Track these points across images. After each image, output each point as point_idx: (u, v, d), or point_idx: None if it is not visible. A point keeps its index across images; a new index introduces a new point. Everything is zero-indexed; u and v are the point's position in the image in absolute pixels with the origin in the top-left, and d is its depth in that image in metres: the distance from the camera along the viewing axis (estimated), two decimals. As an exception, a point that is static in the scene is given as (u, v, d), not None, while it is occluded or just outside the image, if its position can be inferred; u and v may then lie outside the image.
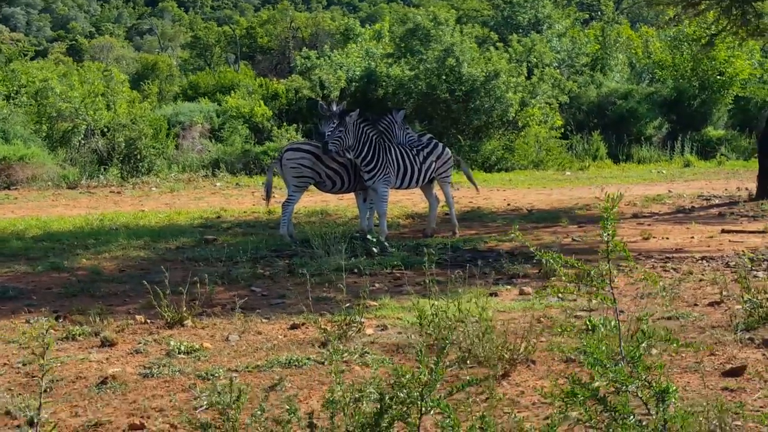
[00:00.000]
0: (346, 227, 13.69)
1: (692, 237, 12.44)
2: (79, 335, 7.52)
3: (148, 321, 8.03)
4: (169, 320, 7.83)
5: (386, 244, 11.49)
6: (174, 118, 25.62)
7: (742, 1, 16.30)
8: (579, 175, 23.26)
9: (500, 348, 6.23)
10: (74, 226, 14.21)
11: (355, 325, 7.27)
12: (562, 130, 27.26)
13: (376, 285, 9.53)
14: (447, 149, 13.39)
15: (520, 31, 31.65)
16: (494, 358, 6.16)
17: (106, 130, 24.43)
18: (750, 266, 9.63)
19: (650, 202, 16.68)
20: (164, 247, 12.31)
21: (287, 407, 4.22)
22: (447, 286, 8.16)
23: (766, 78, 30.51)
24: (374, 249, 11.06)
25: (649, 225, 13.92)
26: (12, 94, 24.53)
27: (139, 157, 22.37)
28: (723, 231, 12.79)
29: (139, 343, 7.31)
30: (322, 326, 7.19)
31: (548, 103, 27.08)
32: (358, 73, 27.38)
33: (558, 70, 27.79)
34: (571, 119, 28.07)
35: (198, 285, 8.09)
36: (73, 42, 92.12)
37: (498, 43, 27.76)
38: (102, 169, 22.53)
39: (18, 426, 5.38)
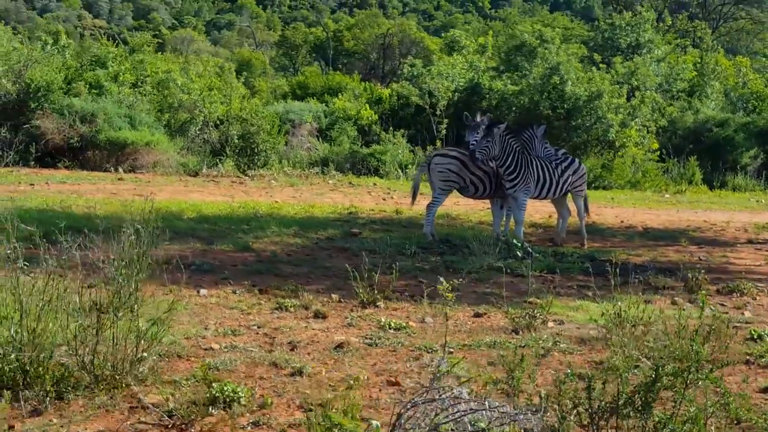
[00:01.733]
0: (475, 230, 14.67)
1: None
2: (290, 307, 8.46)
3: (342, 300, 8.96)
4: (365, 300, 8.75)
5: (530, 248, 12.32)
6: (285, 116, 26.71)
7: None
8: (678, 198, 23.84)
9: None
10: (222, 211, 15.25)
11: (541, 317, 8.13)
12: (658, 153, 27.85)
13: (534, 285, 10.37)
14: (582, 165, 14.24)
15: (619, 53, 32.31)
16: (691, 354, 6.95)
17: (219, 122, 25.64)
18: None
19: (761, 229, 17.25)
20: (315, 237, 13.27)
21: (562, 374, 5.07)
22: (599, 291, 9.02)
23: None
24: (519, 253, 11.91)
25: (766, 251, 14.53)
26: (138, 83, 25.82)
27: (256, 150, 23.48)
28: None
29: (346, 318, 8.24)
30: (513, 316, 8.09)
31: (646, 125, 27.74)
32: (462, 84, 28.25)
33: (658, 94, 28.40)
34: (666, 143, 28.62)
35: (372, 273, 8.88)
36: (156, 32, 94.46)
37: (601, 64, 28.45)
38: (217, 160, 23.70)
39: (289, 374, 6.33)
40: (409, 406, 3.96)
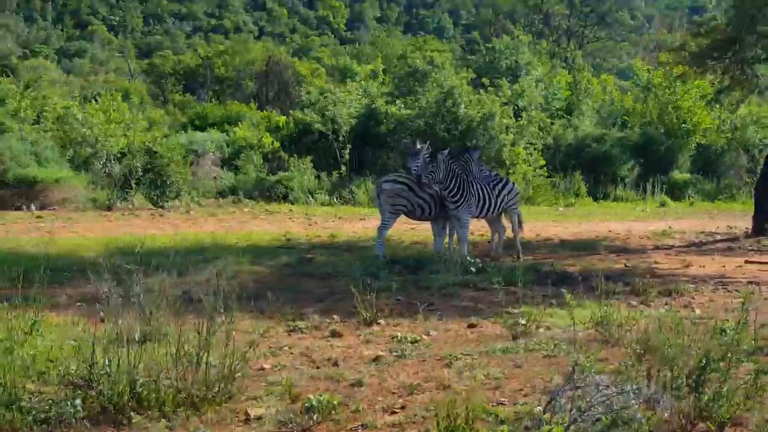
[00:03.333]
0: (412, 250, 15.69)
1: (724, 266, 14.59)
2: (304, 329, 9.22)
3: (344, 320, 9.76)
4: (367, 319, 9.57)
5: (481, 264, 13.37)
6: (188, 147, 27.10)
7: (741, 62, 18.76)
8: (572, 211, 25.49)
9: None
10: (168, 244, 15.66)
11: (536, 323, 9.14)
12: (545, 169, 29.53)
13: (498, 298, 11.38)
14: (515, 184, 15.45)
15: (499, 75, 33.96)
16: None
17: (121, 155, 25.82)
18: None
19: (660, 236, 18.89)
20: (274, 264, 13.96)
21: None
22: (562, 299, 10.13)
23: (724, 128, 33.39)
24: (472, 269, 12.98)
25: (676, 255, 16.06)
26: (39, 119, 25.79)
27: (168, 182, 23.82)
28: (747, 262, 15.00)
29: (360, 335, 9.06)
30: (510, 324, 9.09)
31: (532, 143, 29.41)
32: (359, 110, 29.27)
33: (543, 114, 30.19)
34: (550, 159, 30.34)
35: (368, 294, 9.69)
36: (5, 62, 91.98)
37: (489, 87, 30.00)
38: (125, 193, 23.90)
39: (350, 385, 7.11)
40: (559, 392, 4.83)
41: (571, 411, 4.65)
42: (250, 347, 6.77)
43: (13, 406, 5.99)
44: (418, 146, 14.53)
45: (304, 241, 16.97)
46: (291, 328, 9.24)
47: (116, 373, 6.33)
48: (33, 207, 22.03)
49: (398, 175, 15.21)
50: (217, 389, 6.47)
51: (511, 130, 28.38)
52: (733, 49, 18.46)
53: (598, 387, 4.64)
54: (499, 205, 14.86)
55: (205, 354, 6.46)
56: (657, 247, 17.34)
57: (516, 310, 10.10)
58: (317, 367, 7.72)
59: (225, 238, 16.72)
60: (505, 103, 29.69)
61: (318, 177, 26.67)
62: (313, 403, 6.26)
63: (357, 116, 29.04)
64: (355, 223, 20.74)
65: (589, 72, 37.15)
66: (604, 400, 4.54)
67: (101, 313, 6.69)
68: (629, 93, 36.98)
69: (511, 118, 28.67)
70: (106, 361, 6.44)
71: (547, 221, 21.87)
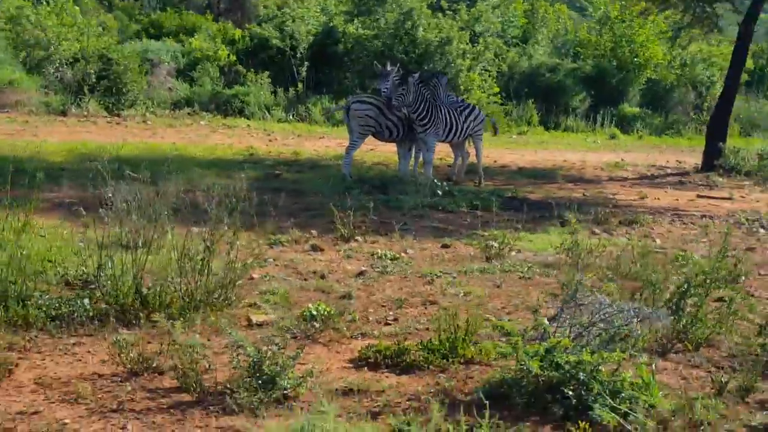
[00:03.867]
0: (374, 170, 15.98)
1: (677, 199, 15.15)
2: (285, 242, 9.49)
3: (322, 235, 10.05)
4: (345, 235, 9.87)
5: (447, 188, 13.71)
6: (143, 55, 26.74)
7: (702, 1, 19.14)
8: (525, 139, 25.90)
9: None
10: (133, 152, 15.71)
11: (509, 246, 9.52)
12: (499, 97, 29.77)
13: (468, 221, 11.77)
14: (481, 111, 15.74)
15: (456, -1, 33.91)
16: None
17: (74, 60, 25.37)
18: (748, 224, 12.44)
19: (614, 168, 19.41)
20: (242, 179, 14.08)
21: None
22: (528, 225, 10.59)
23: (674, 64, 33.95)
24: (439, 192, 13.34)
25: (630, 187, 16.59)
26: (-11, 21, 25.27)
27: (124, 90, 23.57)
28: (699, 196, 15.58)
29: (340, 251, 9.35)
30: (483, 246, 9.47)
31: (488, 70, 29.63)
32: (317, 27, 29.09)
33: (501, 41, 30.37)
34: (504, 87, 30.58)
35: (344, 211, 9.97)
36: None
37: (448, 11, 30.01)
38: (78, 99, 23.58)
39: (339, 297, 7.43)
40: (562, 309, 5.20)
41: (574, 326, 5.02)
42: (251, 257, 7.02)
43: (27, 302, 6.19)
44: (389, 68, 14.69)
45: (267, 158, 17.11)
46: (272, 241, 9.48)
47: (122, 275, 6.55)
48: (-15, 109, 21.77)
49: (367, 96, 15.38)
50: (217, 295, 6.75)
51: (468, 55, 28.51)
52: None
53: (601, 305, 5.00)
54: (465, 131, 15.15)
55: (210, 261, 6.71)
56: (611, 179, 17.85)
57: (485, 233, 10.47)
58: (305, 279, 8.02)
59: (188, 150, 16.77)
60: (462, 28, 29.74)
61: (274, 93, 26.59)
62: (313, 312, 6.56)
63: (315, 34, 28.86)
64: (315, 141, 20.88)
65: (546, 0, 37.22)
66: (606, 317, 4.91)
67: (105, 217, 6.84)
68: (584, 24, 37.21)
69: (468, 43, 28.77)
70: (110, 263, 6.66)
71: (502, 149, 22.22)
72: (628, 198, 14.93)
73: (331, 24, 29.23)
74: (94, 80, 23.94)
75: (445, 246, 9.94)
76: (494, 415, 4.20)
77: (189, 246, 6.72)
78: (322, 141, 20.96)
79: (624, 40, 32.74)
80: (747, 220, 12.82)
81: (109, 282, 6.49)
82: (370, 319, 6.87)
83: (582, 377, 4.48)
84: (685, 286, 6.09)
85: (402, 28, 27.94)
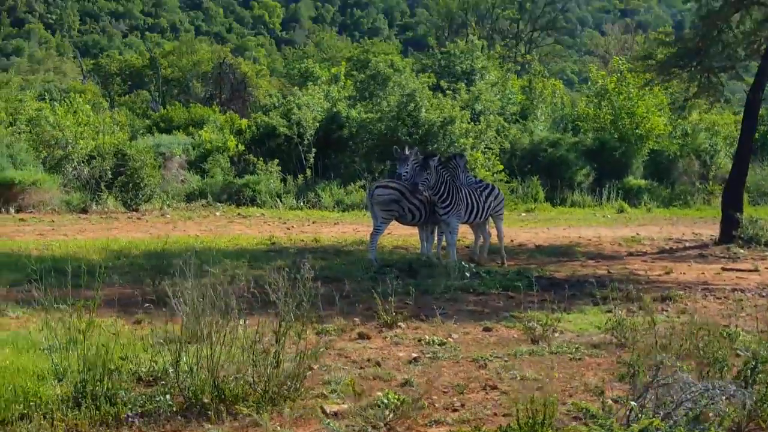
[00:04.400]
0: (396, 255, 16.19)
1: (703, 273, 15.29)
2: (332, 331, 9.65)
3: (364, 322, 10.21)
4: (388, 322, 10.03)
5: (475, 269, 13.90)
6: (156, 150, 27.23)
7: (707, 71, 19.61)
8: (534, 216, 26.18)
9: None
10: (161, 246, 15.96)
11: (552, 328, 9.68)
12: (503, 174, 30.19)
13: (501, 303, 11.95)
14: (500, 191, 16.03)
15: (455, 79, 34.61)
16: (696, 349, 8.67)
17: (90, 158, 25.83)
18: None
19: (631, 242, 19.63)
20: (273, 268, 14.29)
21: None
22: (562, 304, 10.75)
23: (676, 134, 34.49)
24: (467, 274, 13.52)
25: (653, 261, 16.75)
26: (11, 122, 25.78)
27: (141, 185, 23.95)
28: (724, 269, 15.74)
29: (386, 337, 9.51)
30: (526, 328, 9.63)
31: (490, 148, 30.10)
32: (321, 113, 29.66)
33: (502, 119, 30.93)
34: (507, 164, 31.03)
35: (383, 298, 10.17)
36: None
37: (448, 91, 30.63)
38: (97, 196, 23.96)
39: (400, 385, 7.57)
40: (647, 390, 5.35)
41: (659, 406, 5.17)
42: (320, 348, 7.20)
43: (115, 400, 6.36)
44: (407, 152, 15.04)
45: (290, 246, 17.33)
46: (318, 330, 9.63)
47: (197, 369, 6.72)
48: (11, 209, 22.07)
49: (389, 181, 15.65)
50: (288, 386, 6.90)
51: (470, 134, 29.01)
52: (699, 58, 19.26)
53: (685, 384, 5.16)
54: (487, 211, 15.41)
55: (281, 352, 6.90)
56: (631, 254, 18.02)
57: (522, 315, 10.64)
58: (361, 368, 8.16)
59: (213, 242, 17.00)
60: (463, 107, 30.32)
61: (284, 180, 26.99)
62: (385, 400, 6.71)
63: (320, 120, 29.41)
64: (331, 227, 21.16)
65: (544, 76, 37.99)
66: (691, 396, 5.07)
67: (179, 310, 7.05)
68: (582, 98, 37.91)
69: (469, 122, 29.31)
70: (184, 357, 6.85)
71: (515, 227, 22.47)
72: (654, 273, 15.08)
73: (335, 110, 29.78)
74: (110, 176, 24.34)
75: (487, 329, 10.09)
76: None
77: (258, 338, 6.90)
78: (337, 227, 21.24)
79: (623, 112, 33.29)
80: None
81: (186, 377, 6.66)
82: (437, 405, 7.00)
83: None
84: (753, 362, 6.23)
85: (405, 110, 28.53)
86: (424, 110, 28.65)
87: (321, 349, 7.36)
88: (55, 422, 6.17)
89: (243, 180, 26.43)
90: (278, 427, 5.95)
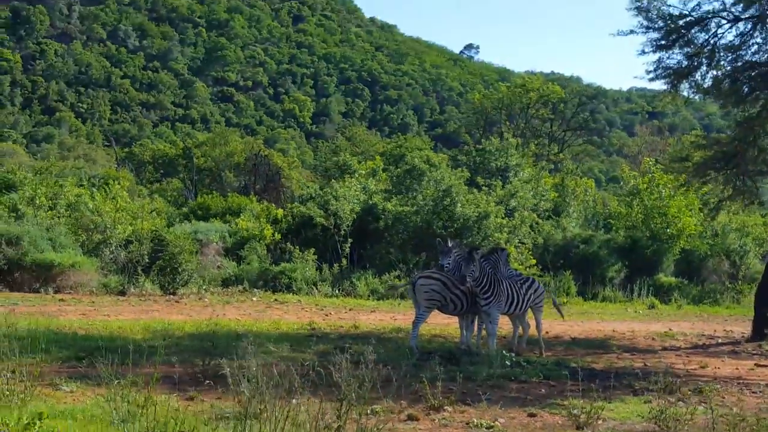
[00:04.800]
0: (435, 342, 16.44)
1: (737, 369, 15.43)
2: (381, 413, 9.88)
3: (411, 405, 10.45)
4: (435, 405, 10.27)
5: (516, 359, 14.13)
6: (193, 236, 27.75)
7: (743, 174, 19.99)
8: (566, 310, 26.11)
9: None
10: (207, 330, 16.30)
11: (597, 415, 9.89)
12: (536, 269, 30.44)
13: (543, 390, 12.16)
14: (540, 284, 16.34)
15: (488, 175, 35.18)
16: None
17: (126, 242, 26.36)
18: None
19: (664, 337, 19.76)
20: (314, 351, 14.61)
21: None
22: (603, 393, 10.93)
23: (706, 234, 34.74)
24: (508, 363, 13.75)
25: (687, 356, 16.88)
26: (51, 206, 26.48)
27: (179, 269, 24.40)
28: (757, 365, 15.86)
29: (434, 420, 9.75)
30: (571, 415, 9.84)
31: (523, 243, 30.44)
32: (357, 205, 30.20)
33: (535, 215, 31.35)
34: (540, 259, 31.31)
35: (430, 383, 10.44)
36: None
37: (483, 187, 31.16)
38: (134, 279, 24.44)
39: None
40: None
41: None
42: (377, 426, 7.46)
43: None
44: (450, 245, 15.44)
45: (330, 331, 17.62)
46: (368, 411, 9.86)
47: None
48: (50, 290, 22.60)
49: (432, 272, 16.00)
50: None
51: (505, 229, 29.40)
52: (735, 161, 19.67)
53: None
54: (527, 303, 15.70)
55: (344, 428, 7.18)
56: (665, 348, 18.17)
57: (564, 402, 10.85)
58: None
59: (255, 326, 17.33)
60: (498, 203, 30.76)
61: (319, 269, 27.38)
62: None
63: (357, 212, 29.91)
64: (368, 314, 21.43)
65: (577, 175, 38.55)
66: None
67: (240, 388, 7.33)
68: (612, 197, 38.36)
69: (504, 217, 29.72)
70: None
71: (549, 320, 22.58)
72: (689, 367, 15.22)
73: (371, 202, 30.31)
74: (147, 261, 24.82)
75: (531, 415, 10.32)
76: None
77: (320, 415, 7.18)
78: (374, 314, 21.52)
79: (655, 211, 33.62)
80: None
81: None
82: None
83: None
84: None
85: (440, 204, 28.98)
86: (459, 205, 29.11)
87: (380, 427, 7.56)
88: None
89: (279, 267, 26.82)
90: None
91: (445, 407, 10.32)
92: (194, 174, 55.54)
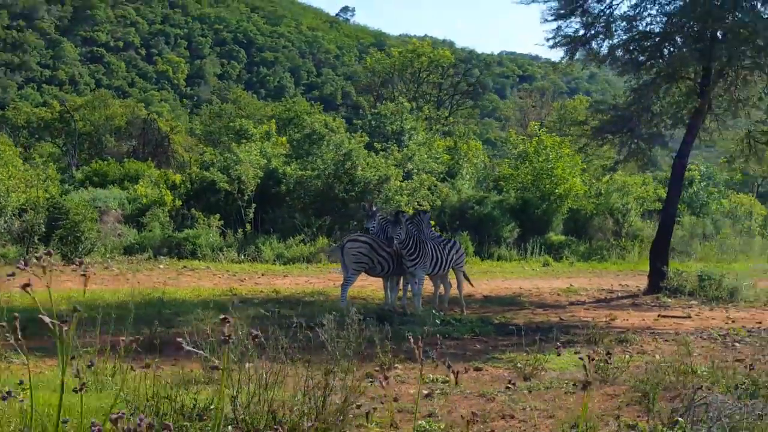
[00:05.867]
0: (358, 304, 16.88)
1: (644, 319, 16.46)
2: (338, 372, 10.28)
3: (363, 363, 10.87)
4: (386, 363, 10.74)
5: (445, 318, 14.73)
6: (91, 203, 27.35)
7: (637, 138, 21.07)
8: (468, 269, 27.06)
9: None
10: (128, 298, 16.28)
11: (541, 366, 10.54)
12: (435, 230, 31.16)
13: (477, 346, 12.78)
14: (461, 245, 16.96)
15: (384, 139, 35.71)
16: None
17: (20, 211, 25.80)
18: (721, 339, 13.79)
19: (568, 293, 20.76)
20: (247, 317, 14.84)
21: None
22: (533, 347, 11.63)
23: (591, 194, 36.25)
24: (437, 321, 14.34)
25: (595, 310, 17.86)
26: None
27: (82, 238, 24.05)
28: (660, 316, 16.94)
29: (388, 377, 10.18)
30: (516, 367, 10.47)
31: (422, 205, 31.15)
32: (259, 170, 30.27)
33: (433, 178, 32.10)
34: (436, 220, 32.09)
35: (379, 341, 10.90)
36: None
37: (381, 151, 31.67)
38: (33, 249, 23.95)
39: (425, 416, 8.28)
40: (691, 407, 6.19)
41: (696, 422, 6.03)
42: (359, 386, 7.89)
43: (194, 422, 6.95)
44: (374, 208, 15.90)
45: (252, 297, 17.85)
46: (326, 371, 10.25)
47: (256, 404, 7.36)
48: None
49: (359, 235, 16.41)
50: (335, 417, 7.58)
51: (405, 191, 30.01)
52: (630, 125, 20.72)
53: (723, 403, 6.04)
54: (449, 263, 16.31)
55: (330, 393, 7.58)
56: (572, 303, 19.13)
57: (503, 356, 11.51)
58: (381, 402, 8.83)
59: (176, 294, 17.40)
60: (396, 166, 31.33)
61: (223, 234, 27.43)
62: (427, 427, 7.42)
63: (260, 177, 29.98)
64: (282, 279, 21.71)
65: (470, 138, 39.48)
66: (729, 413, 5.94)
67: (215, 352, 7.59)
68: (505, 160, 39.51)
69: (403, 180, 30.33)
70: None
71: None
72: (600, 320, 16.12)
73: (271, 166, 30.43)
74: (43, 230, 24.34)
75: (477, 369, 10.89)
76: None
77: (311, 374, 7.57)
78: (288, 279, 21.81)
79: (543, 173, 34.85)
80: (719, 336, 14.14)
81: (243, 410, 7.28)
82: (470, 432, 7.72)
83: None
84: (752, 387, 7.18)
85: (341, 168, 29.31)
86: (360, 169, 29.54)
87: (364, 387, 7.96)
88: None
89: (183, 234, 26.71)
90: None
91: (396, 365, 10.79)
92: (77, 139, 54.18)
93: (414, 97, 48.77)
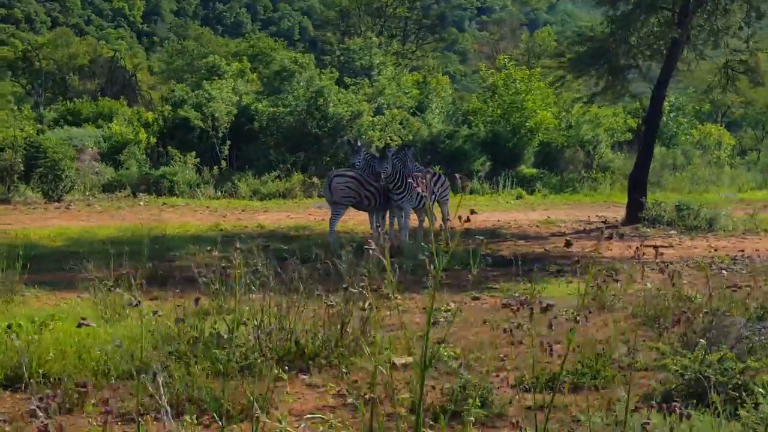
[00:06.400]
0: (349, 238, 17.19)
1: (627, 249, 16.84)
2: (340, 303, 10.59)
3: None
4: (386, 295, 11.05)
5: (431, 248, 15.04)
6: (68, 142, 27.27)
7: (613, 70, 21.34)
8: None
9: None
10: (116, 234, 16.47)
11: (537, 295, 10.90)
12: (405, 164, 31.39)
13: (469, 277, 13.12)
14: (446, 179, 17.23)
15: (354, 74, 35.75)
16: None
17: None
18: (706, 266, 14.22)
19: (548, 225, 21.17)
20: (240, 252, 15.05)
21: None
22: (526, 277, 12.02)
23: (561, 126, 36.57)
24: (426, 253, 14.65)
25: (577, 241, 18.23)
26: None
27: (61, 177, 24.07)
28: (643, 245, 17.32)
29: (391, 307, 10.52)
30: (515, 296, 10.83)
31: (394, 140, 31.34)
32: (232, 107, 30.24)
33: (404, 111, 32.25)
34: (408, 155, 32.27)
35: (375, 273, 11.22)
36: None
37: (351, 86, 31.73)
38: (15, 187, 23.94)
39: (437, 342, 8.62)
40: (709, 329, 6.55)
41: (712, 344, 6.39)
42: (370, 312, 8.21)
43: (223, 350, 7.24)
44: (359, 144, 16.13)
45: (239, 232, 18.05)
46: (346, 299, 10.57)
47: (282, 332, 7.67)
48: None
49: (346, 170, 16.62)
50: (354, 344, 7.92)
51: (377, 126, 30.16)
52: (607, 57, 20.95)
53: (741, 324, 6.41)
54: (434, 197, 16.59)
55: (350, 317, 7.91)
56: (553, 234, 19.53)
57: (497, 286, 11.88)
58: (391, 331, 9.16)
59: (165, 230, 17.56)
60: (367, 101, 31.44)
61: (199, 171, 27.50)
62: (444, 353, 7.76)
63: (234, 114, 29.97)
64: (262, 214, 21.93)
65: (438, 72, 39.52)
66: (748, 333, 6.32)
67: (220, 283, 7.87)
68: (474, 94, 39.56)
69: (374, 115, 30.47)
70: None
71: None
72: (585, 250, 16.51)
73: (244, 103, 30.41)
74: (22, 169, 24.30)
75: (475, 298, 11.26)
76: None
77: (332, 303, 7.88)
78: (269, 214, 22.02)
79: (513, 106, 35.05)
80: (705, 264, 14.57)
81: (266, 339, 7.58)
82: (483, 358, 8.08)
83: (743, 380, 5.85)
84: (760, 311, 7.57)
85: (314, 105, 29.35)
86: (332, 105, 29.60)
87: (379, 313, 8.26)
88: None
89: (160, 171, 26.78)
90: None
91: (395, 296, 11.09)
92: (43, 78, 53.51)
93: (381, 32, 48.59)
